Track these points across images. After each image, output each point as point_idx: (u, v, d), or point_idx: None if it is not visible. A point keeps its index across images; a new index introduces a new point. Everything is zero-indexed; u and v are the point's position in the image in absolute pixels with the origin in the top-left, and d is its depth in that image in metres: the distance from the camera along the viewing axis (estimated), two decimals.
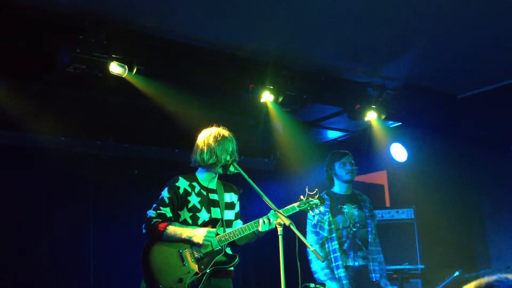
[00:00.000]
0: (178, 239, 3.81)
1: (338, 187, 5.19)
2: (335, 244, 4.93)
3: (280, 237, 3.44)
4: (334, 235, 4.95)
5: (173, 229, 3.82)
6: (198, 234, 3.81)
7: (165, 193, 3.93)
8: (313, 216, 4.99)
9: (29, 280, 5.62)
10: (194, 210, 3.93)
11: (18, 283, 5.56)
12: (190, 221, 3.91)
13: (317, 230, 4.99)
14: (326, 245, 4.96)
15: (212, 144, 3.95)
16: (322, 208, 4.85)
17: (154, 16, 4.98)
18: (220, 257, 3.86)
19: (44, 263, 5.75)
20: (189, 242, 3.81)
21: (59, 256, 5.83)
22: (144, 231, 3.87)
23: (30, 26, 4.68)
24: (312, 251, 3.50)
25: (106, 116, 6.08)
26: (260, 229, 3.84)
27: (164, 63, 5.41)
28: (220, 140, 3.97)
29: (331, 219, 4.99)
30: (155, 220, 3.84)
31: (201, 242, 3.79)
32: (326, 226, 4.97)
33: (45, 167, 5.92)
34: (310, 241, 4.94)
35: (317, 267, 4.92)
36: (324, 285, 4.85)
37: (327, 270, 4.88)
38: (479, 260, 6.85)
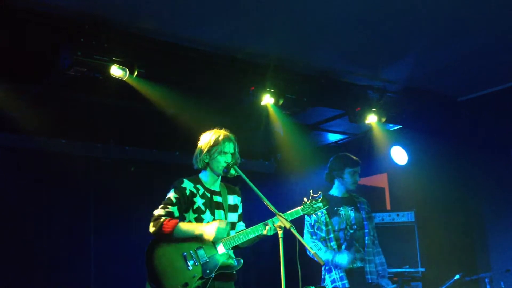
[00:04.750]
0: (190, 236, 3.77)
1: (336, 190, 5.18)
2: (334, 245, 4.93)
3: (280, 240, 3.44)
4: (332, 235, 4.95)
5: (185, 226, 3.79)
6: (208, 232, 3.76)
7: (171, 194, 3.91)
8: (310, 216, 4.98)
9: (30, 282, 5.63)
10: (199, 211, 3.92)
11: (17, 285, 5.57)
12: (194, 223, 3.90)
13: (315, 230, 4.99)
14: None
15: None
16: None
17: (155, 19, 4.99)
18: (225, 261, 3.84)
19: (45, 265, 5.76)
20: (200, 240, 3.77)
21: (60, 258, 5.84)
22: (152, 229, 3.79)
23: (31, 29, 4.68)
24: (312, 254, 3.50)
25: (107, 119, 6.09)
26: (266, 233, 3.83)
27: (165, 66, 5.41)
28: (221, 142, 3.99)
29: (327, 219, 4.97)
30: (164, 217, 3.79)
31: (211, 239, 3.76)
32: (323, 227, 4.97)
33: (46, 169, 5.93)
34: (307, 242, 4.93)
35: (321, 252, 4.88)
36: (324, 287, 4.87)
37: (324, 248, 4.88)
38: (480, 263, 6.84)
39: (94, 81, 5.00)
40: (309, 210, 4.01)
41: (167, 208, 3.85)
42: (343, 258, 4.82)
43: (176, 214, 3.86)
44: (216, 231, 3.77)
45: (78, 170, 6.14)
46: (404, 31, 5.40)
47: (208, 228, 3.79)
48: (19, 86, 5.36)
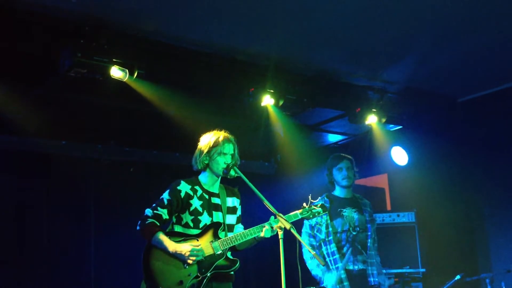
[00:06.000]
0: (164, 250, 3.77)
1: (338, 191, 5.18)
2: (333, 247, 4.93)
3: (280, 241, 3.44)
4: (331, 237, 4.95)
5: (162, 238, 3.78)
6: (182, 249, 3.75)
7: (165, 195, 3.94)
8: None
9: (30, 282, 5.63)
10: (195, 213, 3.93)
11: (18, 285, 5.57)
12: (191, 224, 3.92)
13: (314, 232, 5.00)
14: (324, 247, 4.96)
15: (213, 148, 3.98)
16: None
17: (154, 20, 5.00)
18: (221, 261, 3.86)
19: (45, 266, 5.76)
20: (175, 258, 3.77)
21: (60, 259, 5.84)
22: (138, 228, 3.87)
23: (31, 30, 4.69)
24: (313, 255, 3.51)
25: (107, 120, 6.09)
26: (263, 235, 3.84)
27: (165, 67, 5.42)
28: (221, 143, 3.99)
29: (329, 221, 4.98)
30: (150, 220, 3.84)
31: (186, 259, 3.75)
32: (323, 229, 4.97)
33: (46, 171, 5.93)
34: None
35: (313, 264, 4.95)
36: None
37: (322, 266, 4.89)
38: (481, 264, 6.84)
39: (94, 82, 5.01)
40: (308, 214, 4.02)
41: (157, 210, 3.88)
42: (331, 278, 4.83)
43: (165, 216, 3.88)
44: (191, 252, 3.74)
45: (78, 171, 6.14)
46: (404, 31, 5.41)
47: (183, 247, 3.76)
48: (20, 87, 5.36)
